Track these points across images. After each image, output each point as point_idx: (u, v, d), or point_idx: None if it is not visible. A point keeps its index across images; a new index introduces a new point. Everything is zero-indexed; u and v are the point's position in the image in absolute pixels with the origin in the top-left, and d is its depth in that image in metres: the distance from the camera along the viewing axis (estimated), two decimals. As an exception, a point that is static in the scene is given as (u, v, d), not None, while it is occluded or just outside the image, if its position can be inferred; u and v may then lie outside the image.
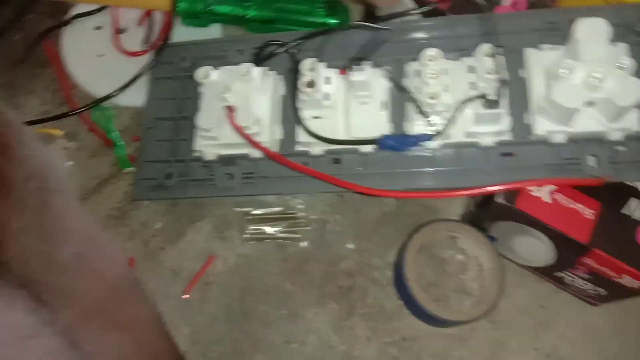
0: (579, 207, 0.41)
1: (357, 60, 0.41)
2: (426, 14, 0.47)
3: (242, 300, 0.47)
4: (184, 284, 0.48)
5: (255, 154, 0.44)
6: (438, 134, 0.39)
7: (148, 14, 0.56)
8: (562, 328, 0.47)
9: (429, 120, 0.40)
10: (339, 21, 0.53)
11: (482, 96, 0.39)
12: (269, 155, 0.42)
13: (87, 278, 0.24)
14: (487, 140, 0.41)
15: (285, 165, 0.42)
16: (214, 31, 0.56)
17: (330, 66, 0.45)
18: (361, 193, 0.41)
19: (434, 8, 0.47)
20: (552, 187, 0.42)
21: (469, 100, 0.40)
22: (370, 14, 0.52)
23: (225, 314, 0.47)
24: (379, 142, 0.40)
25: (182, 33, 0.54)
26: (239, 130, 0.42)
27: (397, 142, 0.39)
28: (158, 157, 0.47)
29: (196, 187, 0.45)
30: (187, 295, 0.47)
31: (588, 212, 0.41)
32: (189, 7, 0.53)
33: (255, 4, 0.52)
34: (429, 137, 0.39)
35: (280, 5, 0.52)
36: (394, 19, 0.48)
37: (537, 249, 0.44)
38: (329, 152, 0.44)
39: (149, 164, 0.47)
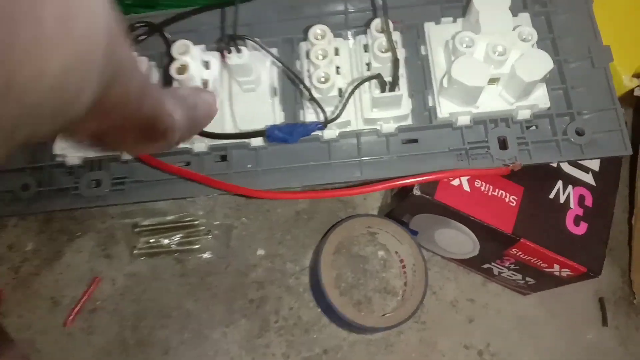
0: (500, 194, 0.38)
1: (235, 40, 0.35)
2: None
3: (135, 327, 0.41)
4: (66, 314, 0.41)
5: (126, 154, 0.38)
6: (330, 121, 0.34)
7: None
8: (493, 321, 0.44)
9: (321, 107, 0.35)
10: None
11: (376, 77, 0.34)
12: (138, 156, 0.36)
13: None
14: (388, 127, 0.37)
15: (157, 168, 0.36)
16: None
17: (211, 48, 0.39)
18: (247, 196, 0.35)
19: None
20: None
21: (362, 82, 0.35)
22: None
23: (116, 345, 0.40)
24: (266, 134, 0.35)
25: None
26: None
27: (285, 133, 0.34)
28: (10, 165, 0.39)
29: (58, 198, 0.38)
30: (70, 326, 0.40)
31: (511, 199, 0.37)
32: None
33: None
34: (320, 126, 0.34)
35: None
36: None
37: (460, 241, 0.40)
38: (214, 148, 0.38)
39: (-1, 174, 0.39)
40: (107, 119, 0.19)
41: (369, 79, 0.35)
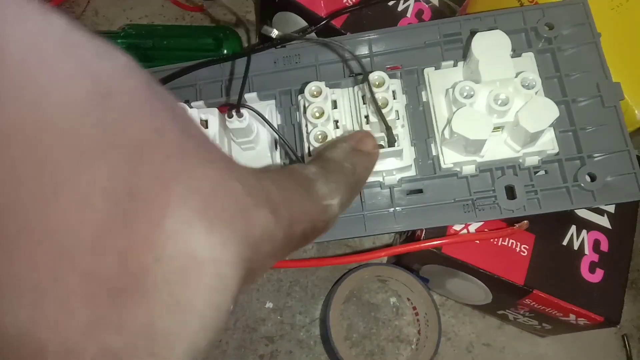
0: (511, 243, 0.37)
1: (238, 108, 0.34)
2: (320, 33, 0.41)
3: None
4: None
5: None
6: None
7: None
8: (512, 366, 0.43)
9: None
10: (229, 51, 0.46)
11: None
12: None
13: None
14: (391, 179, 0.36)
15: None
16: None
17: (210, 104, 0.38)
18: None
19: (328, 25, 0.41)
20: (478, 224, 0.37)
21: None
22: (266, 39, 0.45)
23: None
24: None
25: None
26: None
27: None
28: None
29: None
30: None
31: (522, 248, 0.36)
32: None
33: (129, 38, 0.45)
34: None
35: (158, 40, 0.45)
36: (289, 42, 0.41)
37: (472, 290, 0.39)
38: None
39: None
40: (259, 274, 0.16)
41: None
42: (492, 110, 0.34)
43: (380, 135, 0.35)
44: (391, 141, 0.33)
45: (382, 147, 0.34)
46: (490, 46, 0.34)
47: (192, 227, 0.12)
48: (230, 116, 0.34)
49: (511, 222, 0.37)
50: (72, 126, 0.10)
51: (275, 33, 0.41)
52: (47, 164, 0.10)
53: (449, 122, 0.34)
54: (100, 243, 0.10)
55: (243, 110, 0.34)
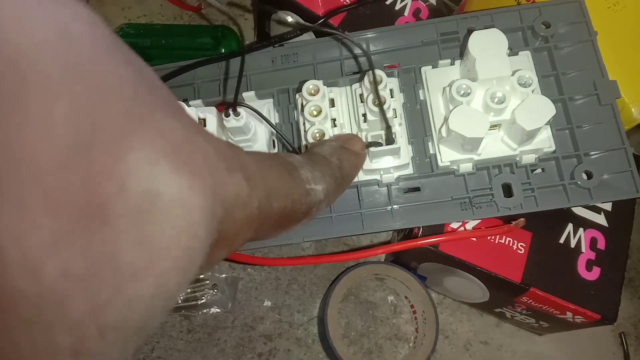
0: (508, 241, 0.37)
1: (235, 107, 0.34)
2: (318, 33, 0.41)
3: (145, 386, 0.41)
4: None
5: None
6: None
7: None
8: (509, 364, 0.43)
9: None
10: (227, 50, 0.46)
11: (372, 144, 0.34)
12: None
13: None
14: (389, 177, 0.36)
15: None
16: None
17: (208, 103, 0.38)
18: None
19: (325, 23, 0.41)
20: (475, 222, 0.37)
21: None
22: (264, 36, 0.45)
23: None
24: None
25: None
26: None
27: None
28: None
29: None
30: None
31: (519, 246, 0.36)
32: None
33: (126, 37, 0.45)
34: None
35: (156, 39, 0.45)
36: (286, 40, 0.41)
37: (469, 288, 0.39)
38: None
39: None
40: (233, 244, 0.17)
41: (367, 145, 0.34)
42: (489, 108, 0.34)
43: (378, 133, 0.35)
44: (390, 139, 0.33)
45: (380, 145, 0.34)
46: (487, 44, 0.34)
47: (158, 166, 0.12)
48: (227, 115, 0.34)
49: (508, 220, 0.37)
50: (43, 63, 0.11)
51: (291, 18, 0.41)
52: (20, 92, 0.10)
53: (446, 120, 0.35)
54: (64, 166, 0.11)
55: (240, 109, 0.34)
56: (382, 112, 0.33)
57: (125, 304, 0.11)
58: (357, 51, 0.40)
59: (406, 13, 0.43)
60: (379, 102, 0.33)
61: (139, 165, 0.12)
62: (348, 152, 0.26)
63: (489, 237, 0.36)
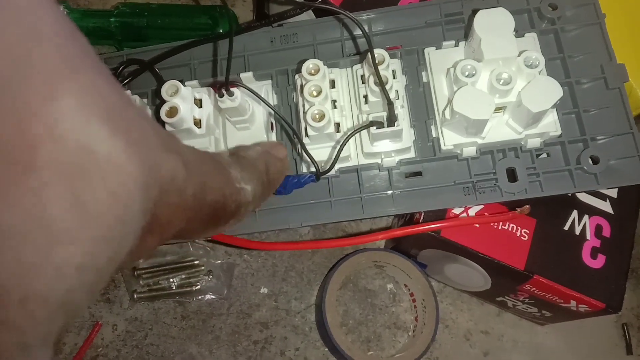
0: (511, 227, 0.36)
1: (227, 86, 0.33)
2: (318, 13, 0.40)
3: (138, 373, 0.40)
4: (68, 362, 0.40)
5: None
6: (323, 173, 0.33)
7: None
8: (509, 354, 0.42)
9: (313, 160, 0.33)
10: (224, 30, 0.44)
11: (370, 125, 0.33)
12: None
13: None
14: (390, 161, 0.35)
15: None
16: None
17: (204, 84, 0.37)
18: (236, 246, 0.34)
19: (326, 2, 0.40)
20: (478, 208, 0.36)
21: (355, 131, 0.33)
22: (262, 16, 0.44)
23: (120, 392, 0.39)
24: None
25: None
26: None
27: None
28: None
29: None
30: (73, 374, 0.40)
31: (523, 233, 0.35)
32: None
33: (122, 17, 0.44)
34: (313, 178, 0.33)
35: (152, 19, 0.44)
36: (285, 20, 0.40)
37: (471, 275, 0.38)
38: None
39: None
40: (166, 232, 0.16)
41: (362, 128, 0.33)
42: (494, 89, 0.33)
43: (380, 114, 0.34)
44: (392, 118, 0.32)
45: (381, 126, 0.33)
46: (493, 24, 0.33)
47: (91, 122, 0.11)
48: (221, 95, 0.33)
49: (512, 206, 0.36)
50: None
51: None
52: None
53: (449, 102, 0.33)
54: None
55: (234, 89, 0.33)
56: (384, 90, 0.32)
57: (53, 270, 0.10)
58: (358, 32, 0.39)
59: (409, -7, 0.42)
60: (380, 81, 0.32)
61: (71, 113, 0.11)
62: (274, 158, 0.27)
63: (492, 224, 0.35)
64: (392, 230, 0.34)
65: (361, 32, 0.38)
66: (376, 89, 0.33)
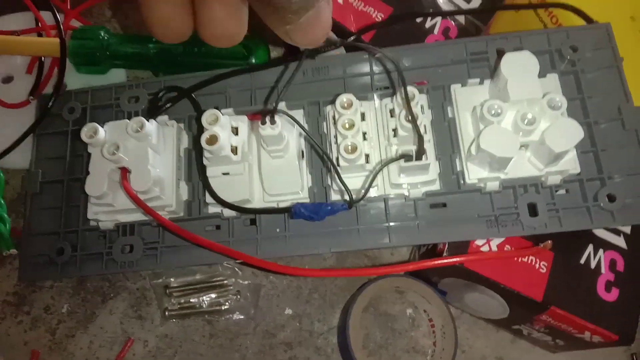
0: (530, 260, 0.37)
1: (272, 114, 0.35)
2: (349, 48, 0.42)
3: (167, 389, 0.41)
4: (100, 376, 0.42)
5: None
6: (356, 201, 0.34)
7: (38, 60, 0.48)
8: (524, 380, 0.43)
9: (347, 188, 0.35)
10: (257, 60, 0.46)
11: (401, 157, 0.35)
12: (166, 226, 0.36)
13: None
14: (416, 192, 0.37)
15: (182, 237, 0.36)
16: (117, 77, 0.49)
17: (239, 112, 0.39)
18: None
19: (357, 39, 0.42)
20: (499, 240, 0.38)
21: (388, 162, 0.35)
22: (294, 50, 0.46)
23: (148, 406, 0.41)
24: (292, 212, 0.35)
25: (79, 82, 0.47)
26: (133, 197, 0.36)
27: (310, 212, 0.34)
28: (47, 228, 0.40)
29: (92, 262, 0.39)
30: (104, 388, 0.41)
31: (541, 265, 0.37)
32: (81, 49, 0.46)
33: (160, 43, 0.46)
34: (345, 206, 0.34)
35: (189, 46, 0.46)
36: (317, 55, 0.42)
37: (490, 304, 0.40)
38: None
39: (35, 237, 0.40)
40: None
41: (393, 160, 0.35)
42: (519, 128, 0.34)
43: (408, 147, 0.36)
44: (421, 153, 0.34)
45: (410, 159, 0.35)
46: (519, 66, 0.35)
47: None
48: (264, 122, 0.35)
49: (532, 238, 0.37)
50: None
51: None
52: None
53: (475, 138, 0.35)
54: None
55: (277, 119, 0.35)
56: (416, 127, 0.34)
57: None
58: (388, 66, 0.41)
59: (436, 31, 0.44)
60: (412, 118, 0.34)
61: None
62: None
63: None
64: (423, 261, 0.35)
65: (388, 67, 0.40)
66: (406, 124, 0.35)
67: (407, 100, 0.35)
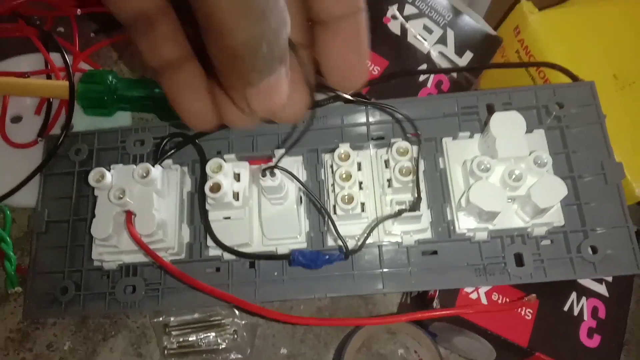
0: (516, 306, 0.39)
1: (268, 167, 0.37)
2: (346, 99, 0.44)
3: None
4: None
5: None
6: (352, 252, 0.36)
7: (46, 101, 0.50)
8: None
9: (343, 240, 0.37)
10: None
11: (397, 214, 0.37)
12: (168, 270, 0.38)
13: None
14: (408, 240, 0.39)
15: (183, 281, 0.38)
16: (123, 119, 0.50)
17: (241, 157, 0.41)
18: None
19: (357, 92, 0.44)
20: (487, 287, 0.39)
21: (385, 218, 0.37)
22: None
23: None
24: (290, 259, 0.37)
25: (86, 123, 0.49)
26: (137, 241, 0.37)
27: (308, 260, 0.36)
28: (51, 267, 0.42)
29: (95, 302, 0.40)
30: None
31: (527, 312, 0.39)
32: (90, 93, 0.48)
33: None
34: (341, 257, 0.36)
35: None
36: (316, 107, 0.44)
37: (477, 348, 0.41)
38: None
39: (40, 275, 0.42)
40: None
41: (390, 217, 0.37)
42: (506, 184, 0.36)
43: (402, 197, 0.38)
44: (416, 207, 0.36)
45: (404, 210, 0.37)
46: (507, 125, 0.38)
47: None
48: (264, 175, 0.37)
49: (518, 285, 0.39)
50: None
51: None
52: None
53: (465, 191, 0.37)
54: None
55: (277, 172, 0.37)
56: (417, 184, 0.36)
57: None
58: (382, 117, 0.43)
59: (429, 85, 0.46)
60: (416, 178, 0.37)
61: None
62: None
63: (499, 302, 0.39)
64: (414, 313, 0.37)
65: (386, 118, 0.42)
66: (400, 177, 0.37)
67: (417, 162, 0.37)
